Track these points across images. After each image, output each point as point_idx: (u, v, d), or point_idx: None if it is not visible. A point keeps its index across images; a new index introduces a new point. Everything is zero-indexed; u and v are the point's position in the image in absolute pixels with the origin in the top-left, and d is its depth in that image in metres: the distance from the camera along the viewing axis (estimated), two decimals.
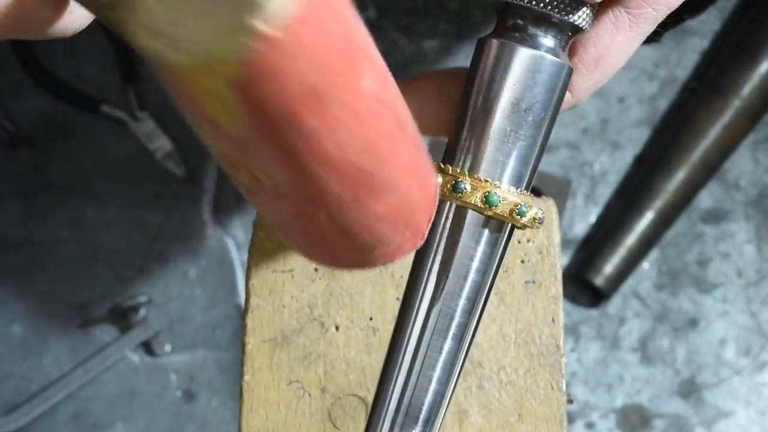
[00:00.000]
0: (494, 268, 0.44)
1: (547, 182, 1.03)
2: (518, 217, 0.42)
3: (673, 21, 0.50)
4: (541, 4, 0.42)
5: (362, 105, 0.33)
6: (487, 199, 0.42)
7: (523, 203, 0.42)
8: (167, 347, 1.03)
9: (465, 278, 0.43)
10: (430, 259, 0.43)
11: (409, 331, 0.43)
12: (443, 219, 0.43)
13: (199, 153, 1.05)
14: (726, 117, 1.03)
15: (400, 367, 0.43)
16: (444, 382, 0.43)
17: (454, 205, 0.43)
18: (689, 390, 1.01)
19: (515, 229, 0.44)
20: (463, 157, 0.43)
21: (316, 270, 0.56)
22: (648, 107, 1.07)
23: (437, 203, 0.40)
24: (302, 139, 0.31)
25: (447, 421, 0.54)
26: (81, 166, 1.05)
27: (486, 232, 0.43)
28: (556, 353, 0.55)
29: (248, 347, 0.55)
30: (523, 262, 0.56)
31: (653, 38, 0.45)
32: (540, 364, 0.55)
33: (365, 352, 0.55)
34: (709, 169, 1.03)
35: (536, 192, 1.02)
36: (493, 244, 0.43)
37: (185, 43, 0.29)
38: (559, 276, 0.56)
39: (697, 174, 1.03)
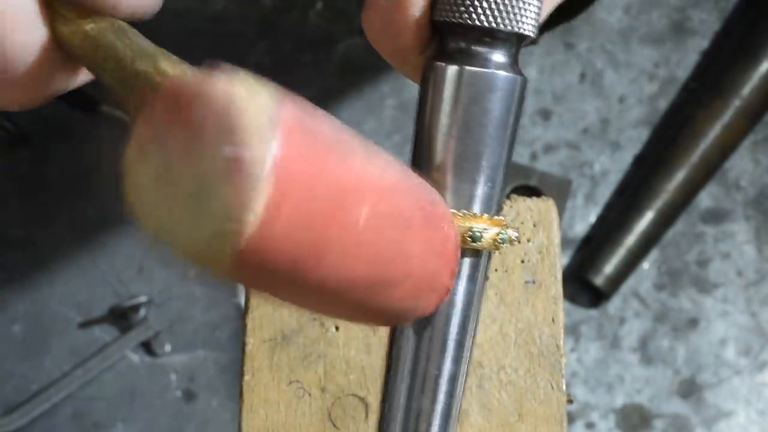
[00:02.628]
0: (478, 296, 0.42)
1: (547, 182, 1.03)
2: (501, 243, 0.41)
3: (556, 20, 0.48)
4: (483, 20, 0.40)
5: (364, 236, 0.34)
6: (472, 238, 0.40)
7: (501, 230, 0.41)
8: (167, 347, 1.03)
9: (449, 316, 0.41)
10: None
11: (398, 387, 0.42)
12: None
13: None
14: (726, 117, 1.03)
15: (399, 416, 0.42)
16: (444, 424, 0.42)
17: None
18: (689, 390, 1.01)
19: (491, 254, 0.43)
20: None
21: None
22: (648, 107, 1.07)
23: (458, 254, 0.39)
24: (308, 285, 0.33)
25: None
26: (81, 166, 1.05)
27: (465, 262, 0.41)
28: (556, 353, 0.55)
29: (248, 347, 0.55)
30: (523, 262, 0.56)
31: (533, 41, 0.43)
32: (540, 364, 0.55)
33: (365, 352, 0.55)
34: (709, 169, 1.03)
35: (536, 192, 1.02)
36: (473, 272, 0.42)
37: (177, 241, 0.32)
38: (559, 276, 0.56)
39: (697, 174, 1.03)
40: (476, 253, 0.41)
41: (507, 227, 0.41)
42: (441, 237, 0.38)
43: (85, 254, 1.05)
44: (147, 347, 1.03)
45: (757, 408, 1.01)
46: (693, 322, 1.03)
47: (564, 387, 0.55)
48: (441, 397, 0.42)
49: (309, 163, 0.32)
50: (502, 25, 0.40)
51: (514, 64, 0.41)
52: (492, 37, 0.40)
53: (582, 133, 1.06)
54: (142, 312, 1.03)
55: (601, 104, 1.07)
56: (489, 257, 0.42)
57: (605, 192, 1.05)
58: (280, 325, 0.55)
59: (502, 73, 0.40)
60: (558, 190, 1.03)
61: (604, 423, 1.01)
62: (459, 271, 0.41)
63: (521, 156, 1.05)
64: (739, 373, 1.01)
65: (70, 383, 1.02)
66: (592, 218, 1.05)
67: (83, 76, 0.45)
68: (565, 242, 1.04)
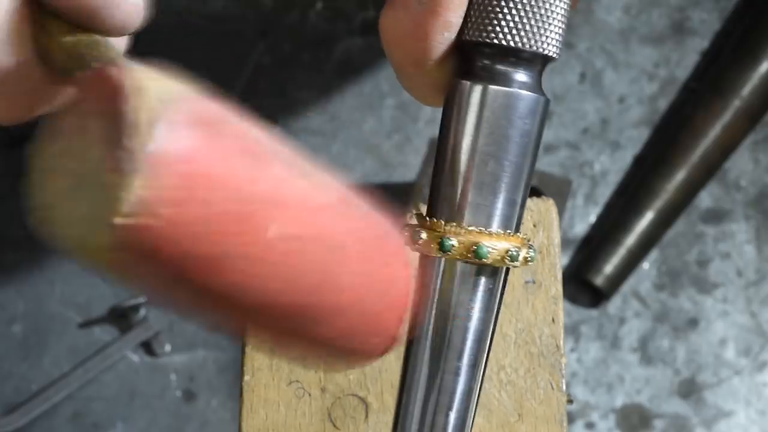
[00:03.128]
0: (494, 313, 0.43)
1: (547, 182, 1.03)
2: (510, 261, 0.41)
3: None
4: (508, 40, 0.41)
5: (273, 253, 0.32)
6: (476, 253, 0.41)
7: (514, 247, 0.41)
8: (167, 347, 1.03)
9: (466, 331, 0.42)
10: (426, 320, 0.42)
11: (412, 402, 0.43)
12: (434, 276, 0.42)
13: None
14: (726, 117, 1.03)
15: None
16: None
17: (443, 260, 0.41)
18: (689, 390, 1.01)
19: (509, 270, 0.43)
20: (446, 208, 0.42)
21: None
22: (648, 107, 1.07)
23: (411, 299, 0.37)
24: (210, 289, 0.32)
25: None
26: None
27: (481, 280, 0.42)
28: (556, 353, 0.55)
29: (248, 347, 0.55)
30: None
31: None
32: (540, 364, 0.55)
33: None
34: (709, 169, 1.03)
35: (536, 192, 1.02)
36: (489, 291, 0.42)
37: (60, 226, 0.32)
38: (559, 276, 0.56)
39: (697, 174, 1.03)
40: (492, 271, 0.42)
41: (526, 246, 0.42)
42: (386, 275, 0.36)
43: None
44: (147, 347, 1.03)
45: (757, 408, 1.01)
46: (693, 322, 1.03)
47: (564, 387, 0.55)
48: (454, 414, 0.42)
49: (206, 158, 0.31)
50: (527, 46, 0.41)
51: (537, 84, 0.42)
52: (516, 56, 0.41)
53: (582, 133, 1.06)
54: (142, 312, 1.03)
55: (601, 104, 1.07)
56: (505, 275, 0.43)
57: (605, 192, 1.05)
58: None
59: (525, 92, 0.41)
60: (558, 190, 1.03)
61: (604, 423, 1.01)
62: (475, 287, 0.42)
63: None
64: (739, 373, 1.01)
65: (69, 383, 1.02)
66: (592, 218, 1.05)
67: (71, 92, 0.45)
68: (565, 242, 1.04)
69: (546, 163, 1.05)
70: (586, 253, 1.03)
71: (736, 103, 1.03)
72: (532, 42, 0.41)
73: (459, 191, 0.41)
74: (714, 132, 1.03)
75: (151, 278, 0.32)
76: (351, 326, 0.35)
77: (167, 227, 0.30)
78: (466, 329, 0.42)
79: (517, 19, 0.41)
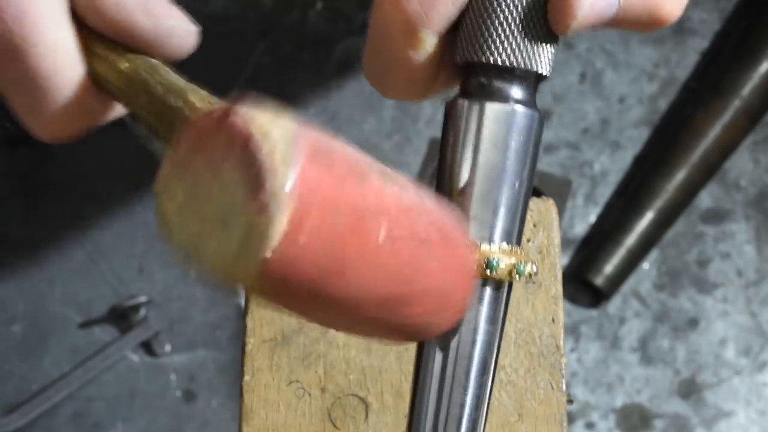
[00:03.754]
0: (500, 325, 0.44)
1: (547, 182, 1.03)
2: (517, 276, 0.43)
3: None
4: (501, 58, 0.42)
5: (383, 253, 0.37)
6: (488, 266, 0.42)
7: (519, 261, 0.43)
8: (167, 347, 1.03)
9: (473, 344, 0.43)
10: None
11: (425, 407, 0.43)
12: None
13: None
14: (726, 117, 1.03)
15: None
16: None
17: None
18: (689, 390, 1.01)
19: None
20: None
21: None
22: (648, 107, 1.07)
23: (474, 275, 0.42)
24: (331, 300, 0.37)
25: None
26: (81, 166, 1.05)
27: (486, 292, 0.43)
28: (556, 353, 0.55)
29: (248, 347, 0.55)
30: None
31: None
32: (540, 364, 0.55)
33: (365, 352, 0.55)
34: (709, 169, 1.03)
35: (536, 192, 1.02)
36: (494, 304, 0.43)
37: (207, 260, 0.36)
38: (559, 276, 0.56)
39: (697, 174, 1.03)
40: (497, 284, 0.43)
41: (527, 261, 0.43)
42: (457, 256, 0.40)
43: (85, 254, 1.05)
44: (147, 347, 1.03)
45: (757, 408, 1.01)
46: (693, 322, 1.03)
47: (564, 387, 0.55)
48: (465, 426, 0.43)
49: (328, 186, 0.35)
50: (521, 64, 0.43)
51: (532, 101, 0.44)
52: (511, 74, 0.43)
53: (582, 133, 1.06)
54: (142, 312, 1.03)
55: (601, 104, 1.07)
56: (509, 288, 0.44)
57: (605, 192, 1.05)
58: (280, 325, 0.55)
59: (521, 108, 0.43)
60: (558, 190, 1.03)
61: (604, 423, 1.01)
62: (481, 299, 0.43)
63: None
64: (739, 373, 1.02)
65: (70, 383, 1.02)
66: (592, 218, 1.05)
67: (118, 110, 0.48)
68: (565, 242, 1.04)
69: (546, 163, 1.05)
70: (586, 253, 1.03)
71: (736, 103, 1.03)
72: (524, 60, 0.43)
73: (460, 206, 0.43)
74: (714, 132, 1.03)
75: (293, 296, 0.36)
76: (434, 303, 0.39)
77: (307, 252, 0.35)
78: (473, 342, 0.43)
79: (510, 38, 0.43)
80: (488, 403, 0.44)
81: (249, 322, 0.55)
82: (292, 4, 1.08)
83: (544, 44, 0.43)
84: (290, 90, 1.07)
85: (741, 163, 1.05)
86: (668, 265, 1.04)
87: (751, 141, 1.06)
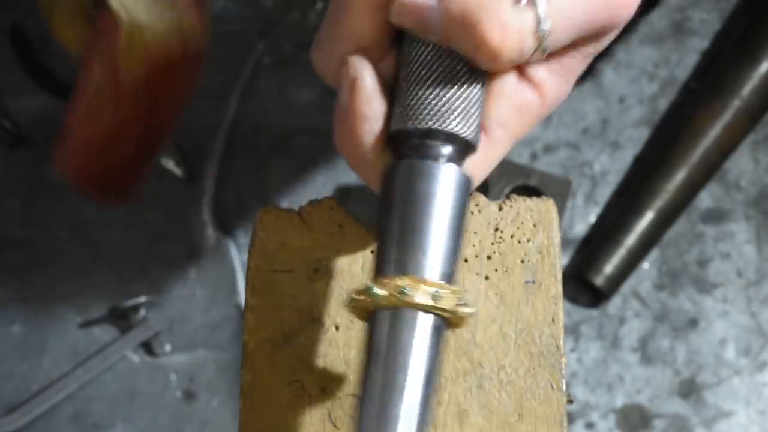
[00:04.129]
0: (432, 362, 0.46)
1: (547, 182, 1.03)
2: (462, 307, 0.46)
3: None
4: (425, 123, 0.47)
5: None
6: (434, 295, 0.45)
7: (461, 298, 0.46)
8: (167, 347, 1.03)
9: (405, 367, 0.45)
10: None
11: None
12: (383, 329, 0.46)
13: (199, 153, 1.05)
14: (726, 117, 1.03)
15: None
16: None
17: (388, 313, 0.45)
18: (689, 390, 1.01)
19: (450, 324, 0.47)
20: (392, 266, 0.46)
21: (316, 270, 0.56)
22: (648, 107, 1.07)
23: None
24: None
25: (447, 421, 0.54)
26: None
27: (429, 328, 0.46)
28: (556, 353, 0.55)
29: (248, 347, 0.55)
30: (523, 262, 0.56)
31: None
32: (540, 364, 0.55)
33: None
34: (709, 169, 1.03)
35: (536, 192, 1.02)
36: (436, 343, 0.46)
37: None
38: (559, 276, 0.56)
39: (697, 174, 1.03)
40: (438, 322, 0.46)
41: (456, 296, 0.46)
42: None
43: (85, 254, 1.05)
44: (147, 347, 1.03)
45: (757, 408, 1.01)
46: (693, 322, 1.03)
47: (564, 387, 0.55)
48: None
49: None
50: (439, 127, 0.47)
51: (457, 158, 0.48)
52: (433, 138, 0.47)
53: (582, 133, 1.06)
54: (142, 312, 1.03)
55: (601, 104, 1.07)
56: (439, 329, 0.46)
57: (605, 192, 1.05)
58: (280, 325, 0.56)
59: (445, 164, 0.47)
60: (558, 190, 1.03)
61: (604, 423, 1.01)
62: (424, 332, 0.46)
63: (521, 156, 1.05)
64: (739, 373, 1.02)
65: (70, 383, 1.02)
66: (592, 218, 1.05)
67: None
68: (565, 242, 1.04)
69: (546, 163, 1.05)
70: (586, 253, 1.03)
71: (736, 103, 1.03)
72: (444, 124, 0.47)
73: (390, 250, 0.46)
74: (714, 132, 1.03)
75: None
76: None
77: None
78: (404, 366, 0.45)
79: (437, 106, 0.47)
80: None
81: (249, 322, 0.55)
82: (292, 4, 1.09)
83: (460, 112, 0.48)
84: (290, 90, 1.07)
85: (741, 163, 1.05)
86: (668, 265, 1.04)
87: (751, 141, 1.06)
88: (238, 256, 1.04)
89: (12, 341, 1.03)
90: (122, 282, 1.04)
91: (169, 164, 1.05)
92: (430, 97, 0.47)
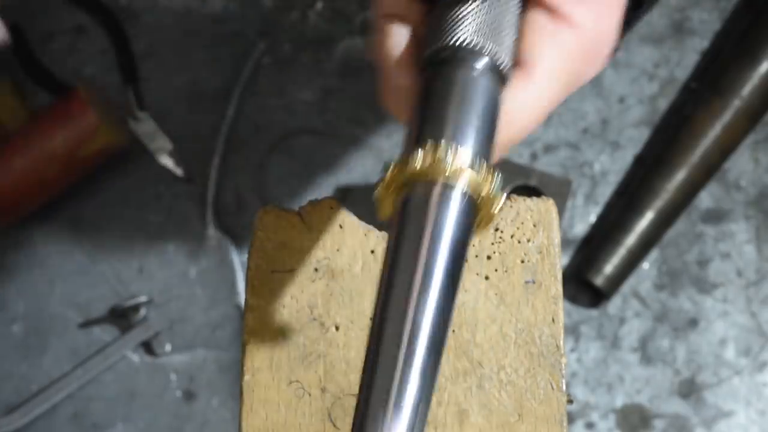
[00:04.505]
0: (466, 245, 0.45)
1: (547, 182, 1.03)
2: (496, 189, 0.45)
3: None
4: (467, 40, 0.49)
5: None
6: (472, 166, 0.45)
7: (495, 180, 0.46)
8: (167, 347, 1.03)
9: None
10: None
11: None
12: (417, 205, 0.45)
13: (199, 153, 1.05)
14: (726, 117, 1.03)
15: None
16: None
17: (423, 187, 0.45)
18: (689, 390, 1.01)
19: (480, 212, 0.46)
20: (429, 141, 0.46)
21: (316, 270, 0.56)
22: (648, 107, 1.07)
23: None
24: None
25: (447, 420, 0.54)
26: None
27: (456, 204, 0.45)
28: (556, 353, 0.55)
29: (248, 347, 0.55)
30: (523, 262, 0.56)
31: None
32: (540, 364, 0.55)
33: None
34: (709, 169, 1.03)
35: (536, 192, 1.02)
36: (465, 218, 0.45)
37: None
38: (559, 276, 0.56)
39: (697, 174, 1.03)
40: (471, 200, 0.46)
41: (493, 181, 0.46)
42: None
43: (85, 254, 1.05)
44: (147, 347, 1.03)
45: (757, 408, 1.01)
46: (693, 322, 1.03)
47: (564, 387, 0.55)
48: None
49: None
50: (470, 44, 0.49)
51: (490, 75, 0.49)
52: (466, 52, 0.49)
53: (582, 133, 1.06)
54: (142, 312, 1.03)
55: (601, 104, 1.07)
56: (470, 212, 0.46)
57: (605, 192, 1.05)
58: (280, 325, 0.55)
59: (475, 73, 0.48)
60: (558, 190, 1.03)
61: (604, 423, 1.01)
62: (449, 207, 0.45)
63: (521, 156, 1.05)
64: (739, 373, 1.02)
65: (70, 383, 1.02)
66: (592, 218, 1.05)
67: None
68: (565, 242, 1.04)
69: (546, 163, 1.05)
70: (586, 253, 1.03)
71: (736, 103, 1.03)
72: (474, 40, 0.49)
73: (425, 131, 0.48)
74: (714, 132, 1.03)
75: None
76: None
77: None
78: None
79: (471, 25, 0.49)
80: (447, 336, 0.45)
81: (249, 322, 0.55)
82: (292, 4, 1.08)
83: (500, 30, 0.49)
84: (290, 90, 1.07)
85: (741, 163, 1.05)
86: (668, 265, 1.04)
87: (751, 141, 1.06)
88: (238, 256, 1.04)
89: (12, 341, 1.03)
90: (122, 282, 1.04)
91: (169, 164, 1.05)
92: (463, 14, 0.49)
